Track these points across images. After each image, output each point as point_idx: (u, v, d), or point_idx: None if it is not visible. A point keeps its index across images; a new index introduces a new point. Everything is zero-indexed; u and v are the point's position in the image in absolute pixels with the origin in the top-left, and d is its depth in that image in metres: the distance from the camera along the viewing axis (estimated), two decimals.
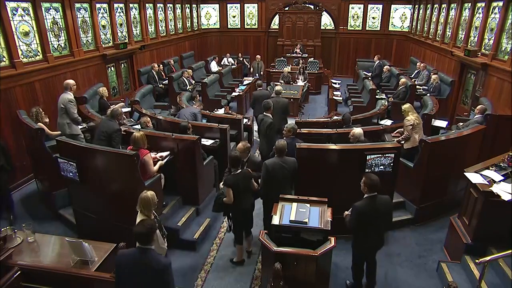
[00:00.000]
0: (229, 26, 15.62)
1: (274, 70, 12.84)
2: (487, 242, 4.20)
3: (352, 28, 14.84)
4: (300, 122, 6.80)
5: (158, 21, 11.62)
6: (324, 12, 14.22)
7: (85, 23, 8.22)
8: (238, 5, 15.21)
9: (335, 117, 7.49)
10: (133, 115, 8.22)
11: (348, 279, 4.29)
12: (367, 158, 4.55)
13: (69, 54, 7.67)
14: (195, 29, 14.72)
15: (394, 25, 14.48)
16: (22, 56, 6.42)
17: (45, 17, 6.93)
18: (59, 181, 5.12)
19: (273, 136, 6.13)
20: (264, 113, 6.36)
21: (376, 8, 14.39)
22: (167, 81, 10.59)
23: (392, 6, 14.19)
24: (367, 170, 4.48)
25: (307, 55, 13.70)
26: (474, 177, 4.35)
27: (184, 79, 10.44)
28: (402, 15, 14.27)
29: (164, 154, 5.16)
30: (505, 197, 3.97)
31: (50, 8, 7.12)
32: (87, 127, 6.49)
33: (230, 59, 14.08)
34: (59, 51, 7.42)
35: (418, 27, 12.88)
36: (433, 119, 7.23)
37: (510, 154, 4.64)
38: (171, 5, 12.40)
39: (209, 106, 9.20)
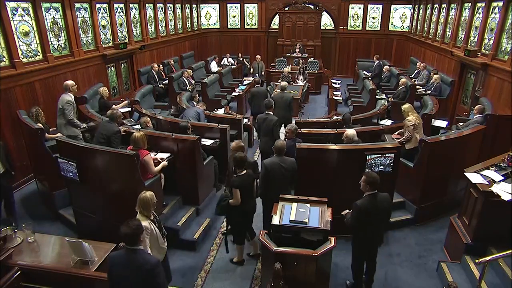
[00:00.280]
0: (229, 26, 15.62)
1: (274, 70, 12.84)
2: (487, 242, 4.20)
3: (352, 28, 14.84)
4: (300, 122, 6.80)
5: (158, 21, 11.62)
6: (324, 12, 14.21)
7: (85, 23, 8.22)
8: (238, 5, 15.21)
9: (335, 117, 7.49)
10: (133, 115, 8.22)
11: (348, 279, 4.29)
12: (367, 158, 4.55)
13: (69, 54, 7.67)
14: (195, 29, 14.72)
15: (394, 25, 14.49)
16: (22, 56, 6.42)
17: (45, 17, 6.93)
18: (59, 181, 5.12)
19: (278, 133, 6.17)
20: (266, 112, 6.38)
21: (376, 8, 14.39)
22: (167, 81, 10.60)
23: (392, 6, 14.20)
24: (367, 170, 4.48)
25: (307, 55, 13.70)
26: (474, 177, 4.35)
27: (184, 79, 10.44)
28: (402, 15, 14.27)
29: (164, 156, 5.15)
30: (505, 197, 3.97)
31: (50, 8, 7.12)
32: (87, 127, 6.49)
33: (230, 59, 14.08)
34: (59, 51, 7.42)
35: (418, 27, 12.88)
36: (433, 119, 7.23)
37: (510, 154, 4.64)
38: (171, 5, 12.41)
39: (209, 106, 9.16)
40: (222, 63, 13.98)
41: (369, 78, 11.18)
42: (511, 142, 5.69)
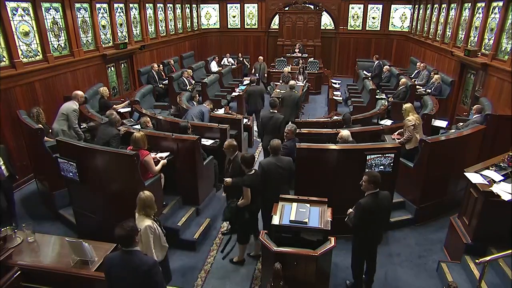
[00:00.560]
0: (229, 26, 15.62)
1: (274, 70, 12.85)
2: (487, 242, 4.21)
3: (352, 28, 14.84)
4: (300, 122, 6.80)
5: (158, 21, 11.62)
6: (324, 12, 14.22)
7: (85, 23, 8.22)
8: (238, 5, 15.21)
9: (335, 117, 7.49)
10: (133, 115, 8.22)
11: (348, 279, 4.29)
12: (367, 158, 4.55)
13: (69, 54, 7.67)
14: (195, 29, 14.72)
15: (394, 25, 14.49)
16: (22, 56, 6.42)
17: (45, 17, 6.93)
18: (59, 181, 5.12)
19: (283, 132, 6.17)
20: (271, 110, 6.45)
21: (376, 8, 14.39)
22: (167, 81, 10.59)
23: (392, 6, 14.20)
24: (367, 170, 4.48)
25: (307, 55, 13.70)
26: (474, 177, 4.35)
27: (184, 79, 10.44)
28: (402, 15, 14.27)
29: (164, 155, 5.16)
30: (505, 197, 3.97)
31: (50, 8, 7.12)
32: (87, 127, 6.49)
33: (230, 59, 14.08)
34: (59, 51, 7.42)
35: (418, 27, 12.88)
36: (433, 119, 7.22)
37: (510, 154, 4.64)
38: (171, 5, 12.41)
39: None
40: (222, 63, 13.98)
41: (369, 78, 11.19)
42: (511, 142, 5.69)
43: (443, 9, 10.63)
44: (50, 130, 6.07)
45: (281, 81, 11.17)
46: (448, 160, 5.19)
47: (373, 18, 14.56)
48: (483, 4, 8.20)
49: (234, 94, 10.72)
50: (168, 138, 5.32)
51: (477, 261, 3.65)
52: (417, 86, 9.62)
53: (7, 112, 6.03)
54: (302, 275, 3.49)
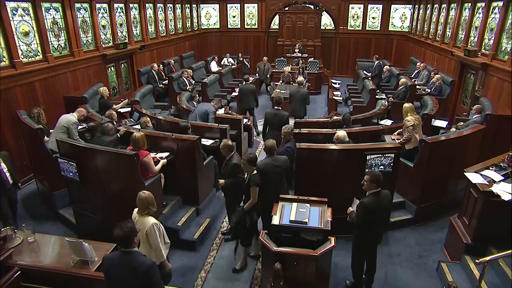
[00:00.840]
0: (229, 26, 15.62)
1: (274, 70, 12.85)
2: (487, 242, 4.21)
3: (352, 28, 14.85)
4: (300, 122, 6.80)
5: (158, 21, 11.62)
6: (324, 12, 14.22)
7: (85, 23, 8.22)
8: (238, 5, 15.21)
9: (335, 117, 7.49)
10: (133, 115, 8.22)
11: (348, 279, 4.29)
12: (367, 158, 4.55)
13: (69, 54, 7.67)
14: (195, 29, 14.72)
15: (394, 25, 14.49)
16: (22, 56, 6.43)
17: (45, 17, 6.93)
18: (59, 181, 5.12)
19: None
20: (275, 107, 6.57)
21: (376, 8, 14.39)
22: (167, 81, 10.60)
23: (392, 6, 14.20)
24: (367, 170, 4.48)
25: (307, 55, 13.70)
26: (474, 177, 4.35)
27: (184, 79, 10.44)
28: (402, 15, 14.27)
29: (164, 155, 5.16)
30: (505, 197, 3.97)
31: (50, 8, 7.12)
32: (87, 127, 6.49)
33: (230, 59, 14.08)
34: (59, 51, 7.42)
35: (418, 27, 12.88)
36: (433, 119, 7.22)
37: (510, 154, 4.64)
38: (171, 5, 12.41)
39: None
40: (222, 63, 13.99)
41: (369, 78, 11.18)
42: (511, 142, 5.69)
43: (443, 9, 10.63)
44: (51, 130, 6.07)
45: (281, 81, 11.17)
46: (448, 160, 5.19)
47: (373, 18, 14.57)
48: (483, 4, 8.20)
49: (234, 94, 10.71)
50: (168, 138, 5.31)
51: (477, 261, 3.65)
52: (417, 86, 9.62)
53: (7, 112, 6.04)
54: (302, 275, 3.49)
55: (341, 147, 4.77)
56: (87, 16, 8.27)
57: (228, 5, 15.28)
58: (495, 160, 4.73)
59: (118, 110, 7.64)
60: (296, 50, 13.64)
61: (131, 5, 10.00)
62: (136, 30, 10.46)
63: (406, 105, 5.97)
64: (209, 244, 5.06)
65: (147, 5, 10.89)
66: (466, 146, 5.36)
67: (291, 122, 6.91)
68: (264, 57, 12.68)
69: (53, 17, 7.20)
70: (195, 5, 14.56)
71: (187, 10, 13.92)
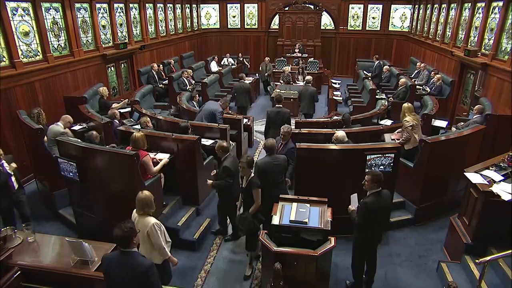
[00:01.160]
0: (229, 26, 15.63)
1: (274, 70, 12.84)
2: (487, 242, 4.21)
3: (352, 28, 14.85)
4: (300, 122, 6.81)
5: (158, 21, 11.62)
6: (324, 12, 14.22)
7: (85, 23, 8.22)
8: (238, 5, 15.21)
9: (335, 117, 7.49)
10: (133, 115, 8.22)
11: (348, 279, 4.29)
12: (367, 158, 4.55)
13: (69, 54, 7.67)
14: (195, 29, 14.73)
15: (394, 25, 14.49)
16: (22, 56, 6.43)
17: (45, 17, 6.93)
18: (59, 181, 5.12)
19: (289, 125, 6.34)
20: (277, 105, 6.64)
21: (376, 8, 14.39)
22: (167, 81, 10.60)
23: (392, 6, 14.21)
24: (367, 170, 4.48)
25: (307, 55, 13.70)
26: (474, 177, 4.35)
27: (184, 79, 10.44)
28: (402, 15, 14.27)
29: (163, 156, 5.14)
30: (505, 197, 3.97)
31: (50, 8, 7.12)
32: (87, 127, 6.49)
33: (230, 59, 14.08)
34: (59, 51, 7.42)
35: (418, 27, 12.88)
36: (433, 119, 7.22)
37: (510, 154, 4.63)
38: (171, 5, 12.41)
39: None
40: (222, 63, 13.99)
41: (369, 78, 11.18)
42: (511, 142, 5.69)
43: (443, 9, 10.63)
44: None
45: (281, 81, 11.17)
46: (448, 160, 5.19)
47: (373, 18, 14.57)
48: (483, 4, 8.19)
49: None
50: (168, 138, 5.31)
51: (477, 261, 3.65)
52: (417, 86, 9.62)
53: (7, 112, 6.03)
54: (302, 275, 3.49)
55: (341, 147, 4.77)
56: (87, 16, 8.27)
57: (228, 5, 15.28)
58: (495, 160, 4.73)
59: (118, 110, 7.64)
60: (296, 50, 13.65)
61: (131, 5, 10.00)
62: (136, 30, 10.46)
63: (405, 105, 5.95)
64: (209, 244, 5.06)
65: (147, 5, 10.89)
66: (466, 146, 5.36)
67: (292, 122, 6.93)
68: (266, 58, 12.66)
69: (53, 17, 7.20)
70: (195, 5, 14.56)
71: (187, 10, 13.92)
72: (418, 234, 5.25)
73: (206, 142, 6.02)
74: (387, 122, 7.43)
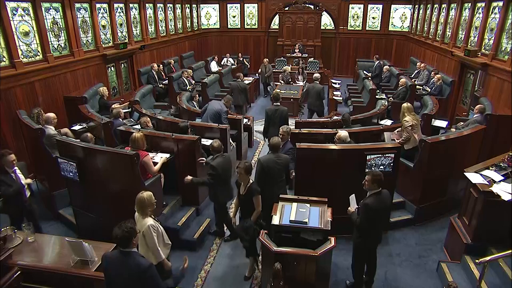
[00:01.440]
0: (229, 26, 15.63)
1: (274, 70, 12.84)
2: (487, 242, 4.21)
3: (352, 28, 14.85)
4: (300, 122, 6.81)
5: (158, 21, 11.62)
6: (324, 12, 14.23)
7: (85, 23, 8.22)
8: (238, 5, 15.22)
9: (335, 117, 7.49)
10: (133, 115, 8.22)
11: (348, 279, 4.29)
12: (367, 158, 4.55)
13: (69, 54, 7.67)
14: (195, 29, 14.73)
15: (394, 25, 14.49)
16: (22, 56, 6.42)
17: (45, 17, 6.93)
18: (59, 181, 5.11)
19: (288, 123, 6.51)
20: (275, 103, 6.78)
21: (376, 8, 14.40)
22: (167, 81, 10.60)
23: (392, 6, 14.21)
24: (367, 170, 4.48)
25: (307, 55, 13.71)
26: (474, 177, 4.35)
27: (184, 79, 10.44)
28: (402, 15, 14.27)
29: (163, 156, 5.14)
30: (505, 197, 3.97)
31: (50, 8, 7.12)
32: (86, 127, 6.49)
33: (230, 59, 14.08)
34: (59, 51, 7.42)
35: (418, 27, 12.88)
36: (433, 119, 7.22)
37: (510, 154, 4.64)
38: (171, 5, 12.41)
39: None
40: (222, 63, 13.99)
41: (369, 78, 11.18)
42: (511, 142, 5.69)
43: (443, 9, 10.63)
44: None
45: (281, 81, 11.17)
46: (448, 160, 5.19)
47: (373, 18, 14.57)
48: (483, 4, 8.19)
49: None
50: (168, 138, 5.31)
51: (477, 261, 3.65)
52: (417, 86, 9.62)
53: (7, 112, 6.03)
54: (302, 275, 3.49)
55: (341, 147, 4.77)
56: (87, 16, 8.27)
57: (228, 5, 15.28)
58: (495, 160, 4.73)
59: (113, 112, 7.63)
60: (296, 50, 13.65)
61: (131, 5, 10.00)
62: (136, 30, 10.46)
63: (404, 105, 5.92)
64: (209, 244, 5.06)
65: (147, 5, 10.89)
66: (466, 146, 5.36)
67: (292, 122, 6.94)
68: (265, 59, 12.62)
69: (53, 17, 7.20)
70: (195, 5, 14.56)
71: (187, 10, 13.92)
72: (418, 234, 5.25)
73: (206, 142, 6.00)
74: (387, 122, 7.43)
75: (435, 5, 11.21)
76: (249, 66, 14.77)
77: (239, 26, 15.57)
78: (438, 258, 4.64)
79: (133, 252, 2.83)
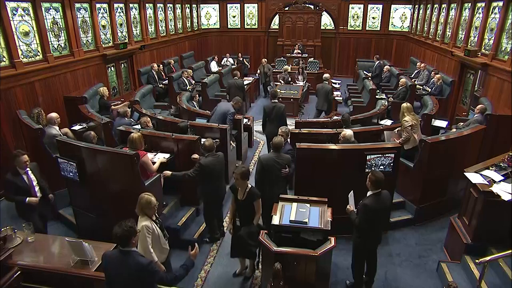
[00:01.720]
0: (229, 26, 15.62)
1: (274, 70, 12.84)
2: (487, 242, 4.21)
3: (352, 28, 14.85)
4: (300, 122, 6.81)
5: (158, 21, 11.62)
6: (324, 12, 14.22)
7: (85, 23, 8.22)
8: (238, 5, 15.21)
9: (335, 117, 7.49)
10: (133, 115, 8.21)
11: (348, 279, 4.29)
12: (367, 158, 4.55)
13: (69, 54, 7.67)
14: (195, 29, 14.73)
15: (394, 25, 14.49)
16: (22, 56, 6.42)
17: (45, 17, 6.93)
18: (59, 181, 5.11)
19: (286, 119, 6.80)
20: (272, 100, 6.93)
21: (376, 8, 14.40)
22: (167, 81, 10.60)
23: (392, 6, 14.21)
24: (367, 170, 4.48)
25: (307, 55, 13.70)
26: (474, 177, 4.35)
27: (184, 79, 10.44)
28: (402, 15, 14.27)
29: (163, 156, 5.13)
30: (505, 197, 3.97)
31: (50, 8, 7.12)
32: (86, 127, 6.49)
33: (230, 59, 14.07)
34: (59, 51, 7.42)
35: (418, 27, 12.88)
36: (433, 119, 7.22)
37: (510, 154, 4.64)
38: (171, 5, 12.41)
39: (209, 106, 9.20)
40: (222, 63, 13.98)
41: (369, 78, 11.17)
42: (511, 142, 5.69)
43: (443, 9, 10.63)
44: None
45: (281, 81, 11.16)
46: (448, 160, 5.19)
47: (373, 18, 14.57)
48: (483, 4, 8.19)
49: None
50: (168, 138, 5.31)
51: (477, 261, 3.65)
52: (417, 86, 9.62)
53: (7, 112, 6.03)
54: (302, 275, 3.50)
55: (341, 147, 4.77)
56: (87, 16, 8.27)
57: (228, 5, 15.28)
58: (495, 160, 4.73)
59: (118, 110, 7.63)
60: (296, 50, 13.64)
61: (131, 5, 10.00)
62: (136, 30, 10.46)
63: (404, 105, 5.90)
64: (209, 244, 5.06)
65: (147, 5, 10.89)
66: (466, 146, 5.36)
67: (292, 122, 6.95)
68: (263, 59, 12.58)
69: (53, 17, 7.20)
70: (195, 5, 14.56)
71: (187, 10, 13.92)
72: (418, 234, 5.25)
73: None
74: (387, 122, 7.43)
75: (435, 5, 11.21)
76: (249, 66, 14.77)
77: (239, 26, 15.56)
78: (438, 258, 4.65)
79: (132, 251, 2.84)
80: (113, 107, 7.54)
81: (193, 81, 10.97)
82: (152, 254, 3.40)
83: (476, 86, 8.45)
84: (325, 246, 3.51)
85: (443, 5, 10.57)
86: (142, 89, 9.07)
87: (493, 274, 3.99)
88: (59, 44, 7.40)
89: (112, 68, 9.51)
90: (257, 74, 12.80)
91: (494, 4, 7.80)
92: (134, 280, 2.78)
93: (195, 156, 4.86)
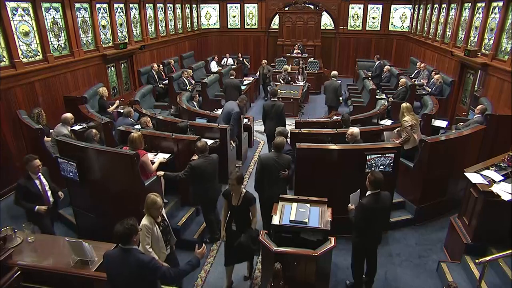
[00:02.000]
0: (229, 26, 15.63)
1: (274, 70, 12.84)
2: (487, 242, 4.21)
3: (352, 28, 14.85)
4: (300, 122, 6.81)
5: (158, 21, 11.62)
6: (324, 12, 14.23)
7: (85, 23, 8.22)
8: (238, 5, 15.22)
9: (335, 117, 7.49)
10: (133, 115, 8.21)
11: (348, 279, 4.29)
12: (367, 158, 4.55)
13: (69, 54, 7.67)
14: (195, 29, 14.73)
15: (394, 25, 14.50)
16: (22, 56, 6.43)
17: (45, 17, 6.93)
18: (59, 181, 5.10)
19: (284, 117, 6.89)
20: (272, 99, 7.07)
21: (376, 8, 14.40)
22: (167, 81, 10.60)
23: (392, 6, 14.21)
24: (367, 170, 4.48)
25: (307, 55, 13.71)
26: (474, 177, 4.35)
27: (184, 79, 10.45)
28: (402, 15, 14.28)
29: (163, 156, 5.13)
30: (505, 197, 3.97)
31: (50, 8, 7.12)
32: (87, 127, 6.49)
33: (230, 59, 14.07)
34: (59, 51, 7.42)
35: (418, 27, 12.89)
36: (433, 119, 7.22)
37: (510, 154, 4.64)
38: (171, 5, 12.41)
39: (209, 106, 9.21)
40: (222, 63, 13.99)
41: (369, 78, 11.18)
42: (511, 142, 5.69)
43: (443, 9, 10.63)
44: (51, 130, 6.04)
45: (281, 81, 11.16)
46: (448, 160, 5.19)
47: (373, 18, 14.57)
48: (483, 4, 8.20)
49: None
50: (168, 138, 5.31)
51: (477, 261, 3.65)
52: (417, 86, 9.62)
53: (7, 112, 6.03)
54: (302, 275, 3.49)
55: (341, 147, 4.77)
56: (87, 16, 8.27)
57: (228, 5, 15.28)
58: (495, 160, 4.73)
59: (118, 110, 7.65)
60: (296, 50, 13.64)
61: (131, 5, 10.00)
62: (136, 30, 10.46)
63: (404, 105, 5.88)
64: (209, 244, 5.06)
65: (147, 5, 10.90)
66: (466, 146, 5.36)
67: (292, 122, 6.95)
68: (263, 61, 12.57)
69: (53, 17, 7.20)
70: (195, 5, 14.56)
71: (187, 10, 13.93)
72: (418, 234, 5.25)
73: (208, 142, 6.00)
74: (387, 122, 7.43)
75: (435, 5, 11.21)
76: (249, 66, 14.77)
77: (239, 26, 15.57)
78: (438, 258, 4.64)
79: (133, 249, 2.84)
80: (109, 109, 7.53)
81: (193, 81, 10.98)
82: (152, 254, 3.40)
83: (476, 86, 8.45)
84: (325, 246, 3.51)
85: (443, 5, 10.57)
86: (142, 89, 9.07)
87: (493, 274, 3.99)
88: (59, 44, 7.40)
89: (112, 68, 9.51)
90: (257, 75, 12.80)
91: (494, 4, 7.81)
92: (136, 277, 2.78)
93: (195, 157, 4.86)
